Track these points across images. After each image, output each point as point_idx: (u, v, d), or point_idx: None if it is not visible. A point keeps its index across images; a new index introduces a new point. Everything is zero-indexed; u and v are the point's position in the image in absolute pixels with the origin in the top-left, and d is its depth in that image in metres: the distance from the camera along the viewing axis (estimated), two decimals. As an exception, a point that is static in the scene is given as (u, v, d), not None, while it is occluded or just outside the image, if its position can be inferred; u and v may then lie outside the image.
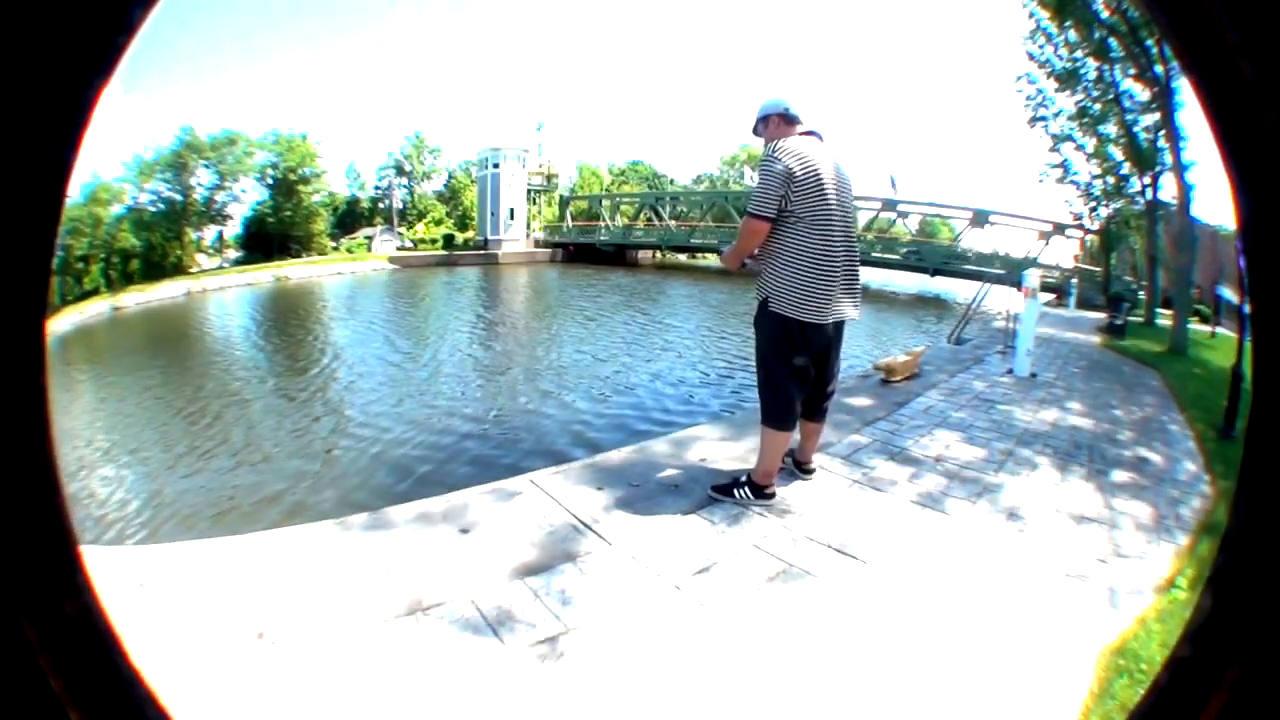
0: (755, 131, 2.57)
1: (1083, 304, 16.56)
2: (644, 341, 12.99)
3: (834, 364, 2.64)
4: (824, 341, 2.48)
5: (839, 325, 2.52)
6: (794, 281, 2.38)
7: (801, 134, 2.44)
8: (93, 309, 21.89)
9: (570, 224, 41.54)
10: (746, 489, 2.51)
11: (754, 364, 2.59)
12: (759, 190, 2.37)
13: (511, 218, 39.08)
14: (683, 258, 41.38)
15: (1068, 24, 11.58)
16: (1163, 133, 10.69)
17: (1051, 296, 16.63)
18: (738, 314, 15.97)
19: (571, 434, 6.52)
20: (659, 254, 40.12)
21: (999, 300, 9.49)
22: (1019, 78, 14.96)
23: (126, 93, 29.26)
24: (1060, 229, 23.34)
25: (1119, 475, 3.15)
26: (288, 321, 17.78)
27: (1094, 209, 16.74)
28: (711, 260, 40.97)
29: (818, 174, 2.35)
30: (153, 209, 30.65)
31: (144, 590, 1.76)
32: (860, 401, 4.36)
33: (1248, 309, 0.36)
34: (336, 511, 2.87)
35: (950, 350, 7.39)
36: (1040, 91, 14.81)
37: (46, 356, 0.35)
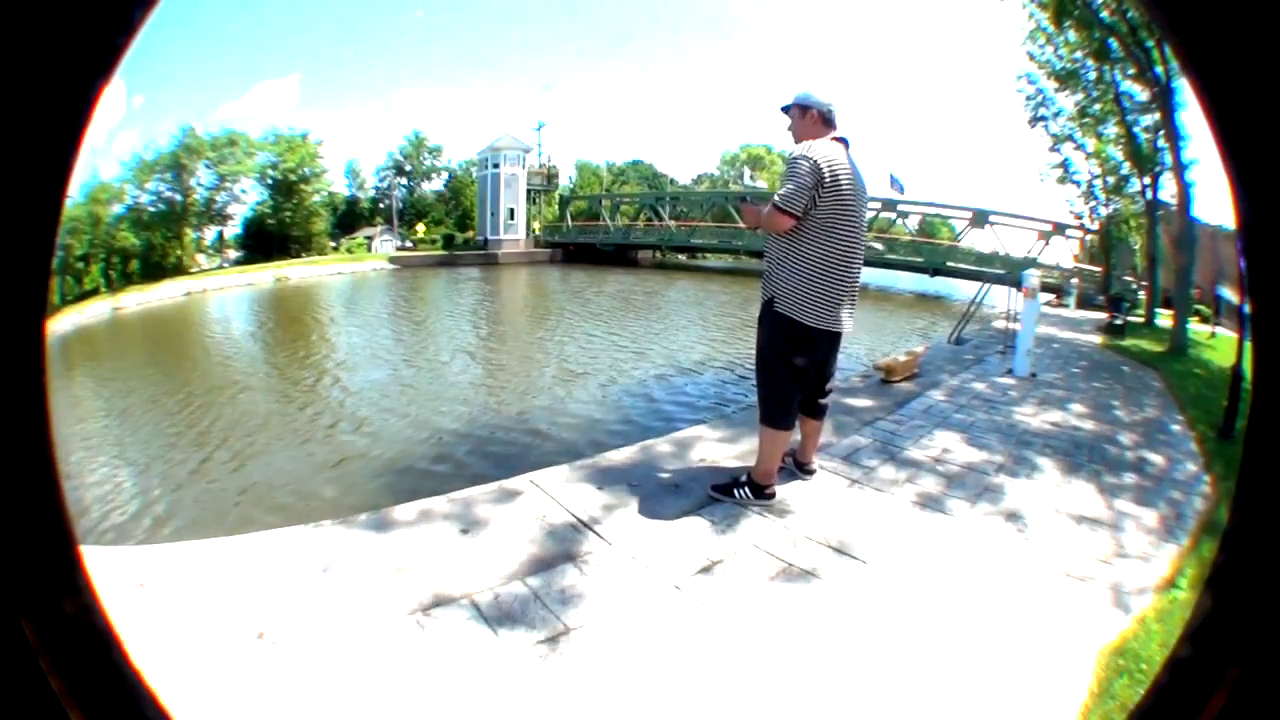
0: (785, 111, 2.52)
1: (1083, 304, 16.55)
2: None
3: (832, 363, 2.65)
4: (826, 344, 2.51)
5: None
6: (804, 286, 2.38)
7: (833, 139, 2.43)
8: (93, 309, 21.84)
9: (570, 224, 41.52)
10: (746, 489, 2.51)
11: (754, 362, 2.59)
12: (791, 187, 2.32)
13: (511, 218, 39.04)
14: (683, 257, 41.36)
15: (1067, 24, 11.57)
16: (1163, 133, 10.69)
17: (1051, 296, 16.61)
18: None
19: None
20: (658, 254, 40.11)
21: (999, 300, 9.49)
22: (1019, 78, 15.01)
23: (128, 93, 29.32)
24: (1060, 229, 23.32)
25: (1119, 476, 3.15)
26: (306, 321, 17.78)
27: (1094, 209, 16.77)
28: (712, 260, 41.00)
29: (847, 183, 2.36)
30: (152, 209, 30.56)
31: (144, 590, 1.76)
32: (860, 402, 4.36)
33: (1248, 309, 0.36)
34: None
35: (950, 350, 7.38)
36: (1040, 91, 14.84)
37: (46, 356, 0.35)
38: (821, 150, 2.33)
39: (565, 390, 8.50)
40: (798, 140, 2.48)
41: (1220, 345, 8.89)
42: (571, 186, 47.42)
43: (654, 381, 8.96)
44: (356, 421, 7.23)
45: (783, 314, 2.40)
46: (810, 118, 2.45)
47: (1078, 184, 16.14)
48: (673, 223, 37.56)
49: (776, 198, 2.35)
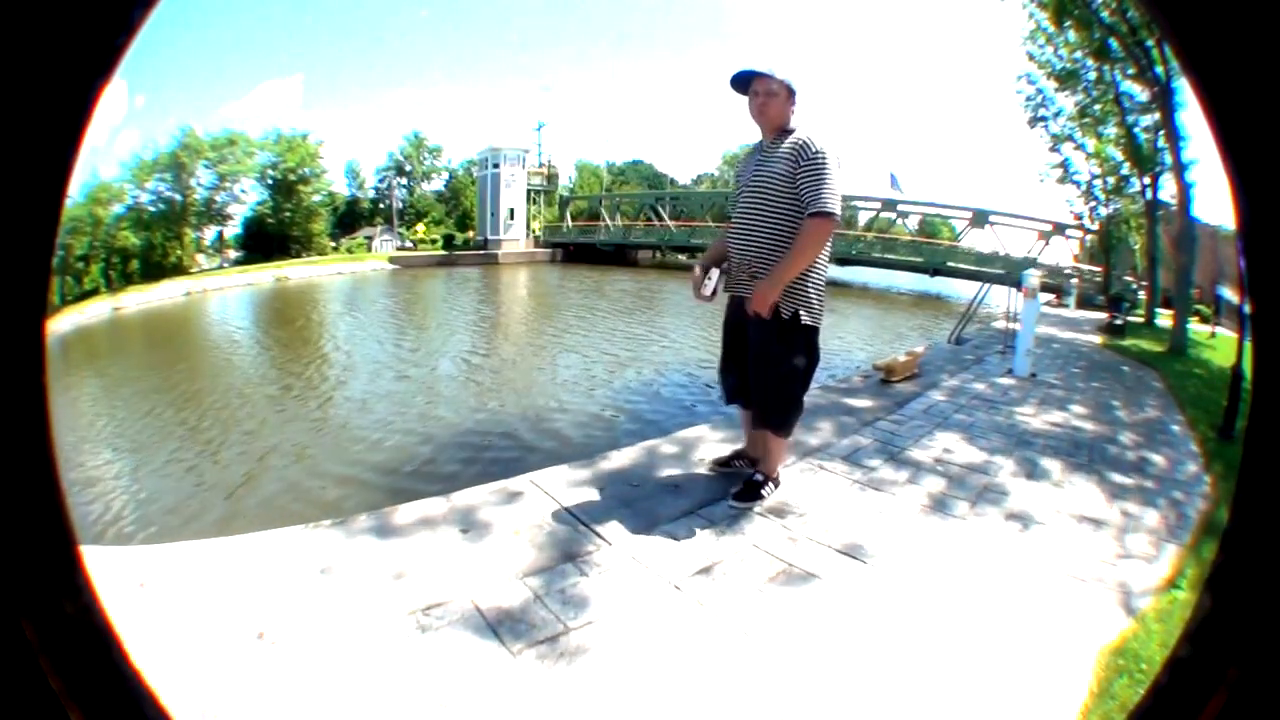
0: (743, 79, 2.29)
1: (1083, 304, 16.56)
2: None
3: None
4: None
5: None
6: (821, 290, 2.34)
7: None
8: (93, 309, 21.82)
9: (570, 224, 41.52)
10: (771, 483, 2.51)
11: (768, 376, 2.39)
12: (835, 189, 2.14)
13: (511, 218, 39.05)
14: (683, 257, 41.37)
15: (1067, 24, 11.57)
16: (1163, 133, 10.69)
17: (1051, 296, 16.62)
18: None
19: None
20: (658, 254, 40.10)
21: (999, 300, 9.51)
22: (1019, 78, 15.02)
23: (128, 93, 29.29)
24: (1060, 229, 23.31)
25: (1119, 476, 3.15)
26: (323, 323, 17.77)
27: (1094, 209, 16.78)
28: (711, 260, 40.84)
29: None
30: (152, 209, 30.56)
31: (144, 590, 1.76)
32: (860, 402, 4.36)
33: (1248, 309, 0.36)
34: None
35: (950, 350, 7.38)
36: (1040, 92, 14.86)
37: (46, 356, 0.35)
38: (829, 141, 2.20)
39: (621, 379, 8.92)
40: (772, 118, 2.29)
41: (1220, 345, 8.90)
42: (571, 187, 47.42)
43: (694, 374, 9.16)
44: (450, 401, 7.78)
45: (810, 325, 2.33)
46: (793, 103, 2.29)
47: (1078, 184, 16.20)
48: (672, 223, 37.54)
49: (827, 209, 2.14)
